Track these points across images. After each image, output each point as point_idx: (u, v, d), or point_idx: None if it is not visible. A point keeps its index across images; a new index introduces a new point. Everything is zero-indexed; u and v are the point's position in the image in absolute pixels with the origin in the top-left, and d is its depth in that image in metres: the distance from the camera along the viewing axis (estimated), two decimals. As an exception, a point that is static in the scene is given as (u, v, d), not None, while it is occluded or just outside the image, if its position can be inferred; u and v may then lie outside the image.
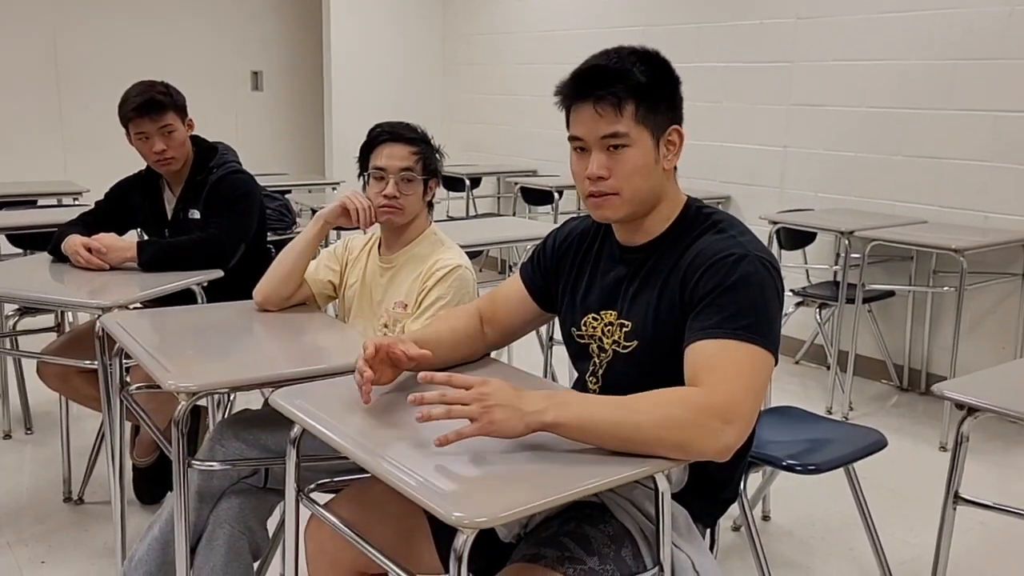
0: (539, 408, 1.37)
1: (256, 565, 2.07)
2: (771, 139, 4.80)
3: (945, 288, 4.01)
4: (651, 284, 1.59)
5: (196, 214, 2.81)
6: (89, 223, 2.82)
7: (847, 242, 3.90)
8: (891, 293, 4.23)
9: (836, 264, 4.37)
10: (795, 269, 4.52)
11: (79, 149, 6.47)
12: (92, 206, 2.94)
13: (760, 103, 4.84)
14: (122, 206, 2.89)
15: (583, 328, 1.68)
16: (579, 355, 1.70)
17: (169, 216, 2.88)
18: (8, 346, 3.39)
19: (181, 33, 6.87)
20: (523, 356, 3.57)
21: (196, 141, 2.89)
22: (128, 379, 2.40)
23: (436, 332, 1.74)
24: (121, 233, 2.85)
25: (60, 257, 2.72)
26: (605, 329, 1.64)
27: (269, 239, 3.45)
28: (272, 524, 2.13)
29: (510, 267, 6.25)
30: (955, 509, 1.87)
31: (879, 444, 2.27)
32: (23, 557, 2.64)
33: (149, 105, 2.71)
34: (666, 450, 1.36)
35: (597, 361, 1.65)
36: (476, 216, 6.16)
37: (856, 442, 2.29)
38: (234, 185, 2.82)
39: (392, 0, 6.90)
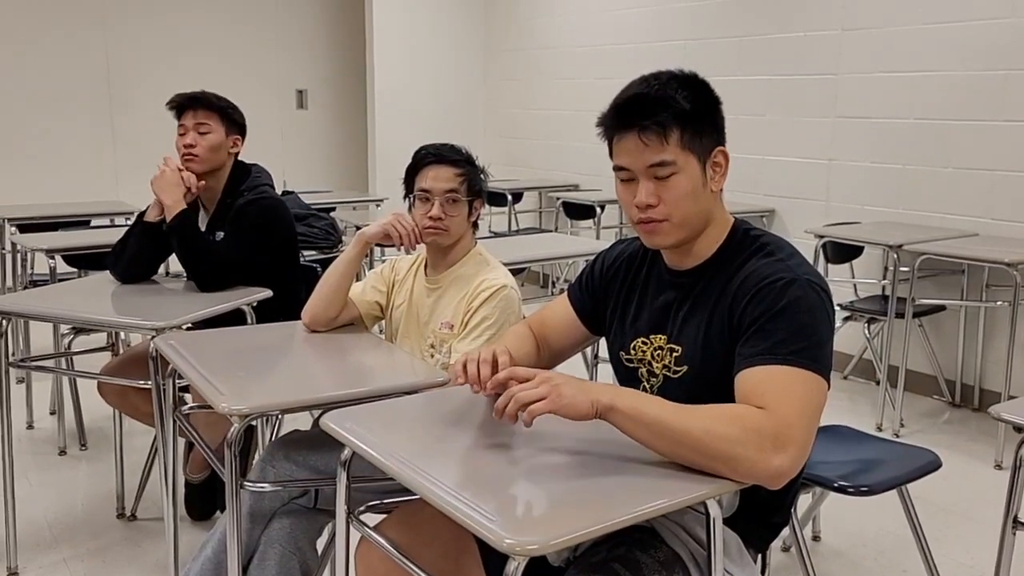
0: (600, 389, 1.42)
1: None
2: (816, 152, 4.76)
3: (998, 302, 3.93)
4: (701, 309, 1.58)
5: (221, 235, 2.83)
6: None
7: (896, 256, 3.84)
8: (942, 307, 4.15)
9: (885, 278, 4.31)
10: (842, 283, 4.46)
11: (131, 169, 6.61)
12: None
13: (804, 116, 4.79)
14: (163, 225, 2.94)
15: (632, 352, 1.68)
16: (628, 379, 1.70)
17: None
18: (64, 365, 3.46)
19: (229, 53, 6.99)
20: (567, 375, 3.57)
21: (235, 162, 2.90)
22: (189, 397, 2.43)
23: (519, 359, 1.74)
24: (168, 251, 2.90)
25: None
26: (655, 353, 1.63)
27: (316, 258, 3.49)
28: (321, 544, 2.15)
29: (553, 282, 6.26)
30: (1015, 535, 1.83)
31: (933, 465, 2.23)
32: (79, 573, 2.69)
33: (197, 98, 2.80)
34: (713, 461, 1.35)
35: (647, 386, 1.65)
36: (518, 232, 6.17)
37: (909, 463, 2.25)
38: (255, 211, 2.79)
39: (434, 18, 6.97)
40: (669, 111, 1.51)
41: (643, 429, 1.39)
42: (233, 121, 2.86)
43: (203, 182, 2.81)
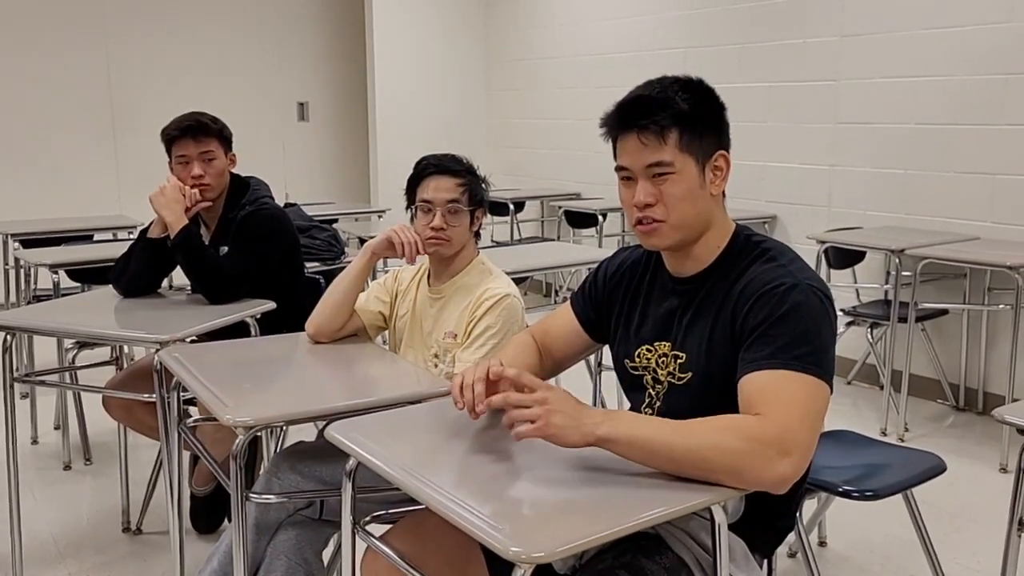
0: (594, 420, 1.40)
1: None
2: (817, 158, 4.76)
3: (1001, 306, 3.93)
4: (704, 315, 1.59)
5: (225, 250, 2.82)
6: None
7: (898, 260, 3.85)
8: (944, 311, 4.15)
9: (887, 283, 4.31)
10: (845, 288, 4.47)
11: (133, 183, 6.63)
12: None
13: (805, 122, 4.80)
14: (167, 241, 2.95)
15: (637, 360, 1.68)
16: (633, 387, 1.70)
17: None
18: (68, 379, 3.47)
19: (230, 66, 7.02)
20: (572, 383, 3.57)
21: (231, 177, 2.90)
22: (195, 411, 2.42)
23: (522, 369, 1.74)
24: (171, 266, 2.91)
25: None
26: (659, 360, 1.64)
27: (319, 270, 3.50)
28: (327, 555, 2.15)
29: (555, 290, 6.27)
30: (1020, 536, 1.83)
31: (938, 469, 2.23)
32: (85, 587, 2.70)
33: (195, 128, 2.77)
34: (718, 475, 1.36)
35: (652, 393, 1.65)
36: (521, 241, 6.18)
37: (914, 467, 2.25)
38: (257, 223, 2.80)
39: (435, 29, 7.00)
40: (668, 112, 1.52)
41: (642, 454, 1.39)
42: (227, 140, 2.87)
43: (207, 203, 2.82)
